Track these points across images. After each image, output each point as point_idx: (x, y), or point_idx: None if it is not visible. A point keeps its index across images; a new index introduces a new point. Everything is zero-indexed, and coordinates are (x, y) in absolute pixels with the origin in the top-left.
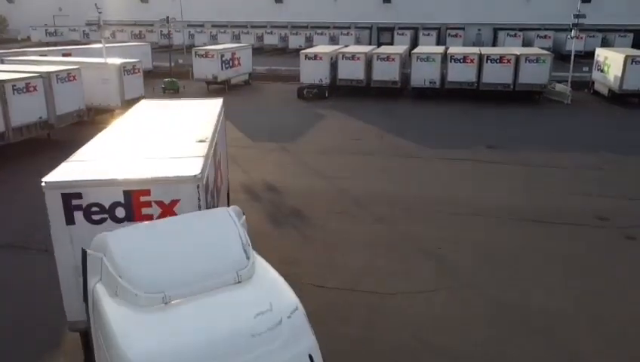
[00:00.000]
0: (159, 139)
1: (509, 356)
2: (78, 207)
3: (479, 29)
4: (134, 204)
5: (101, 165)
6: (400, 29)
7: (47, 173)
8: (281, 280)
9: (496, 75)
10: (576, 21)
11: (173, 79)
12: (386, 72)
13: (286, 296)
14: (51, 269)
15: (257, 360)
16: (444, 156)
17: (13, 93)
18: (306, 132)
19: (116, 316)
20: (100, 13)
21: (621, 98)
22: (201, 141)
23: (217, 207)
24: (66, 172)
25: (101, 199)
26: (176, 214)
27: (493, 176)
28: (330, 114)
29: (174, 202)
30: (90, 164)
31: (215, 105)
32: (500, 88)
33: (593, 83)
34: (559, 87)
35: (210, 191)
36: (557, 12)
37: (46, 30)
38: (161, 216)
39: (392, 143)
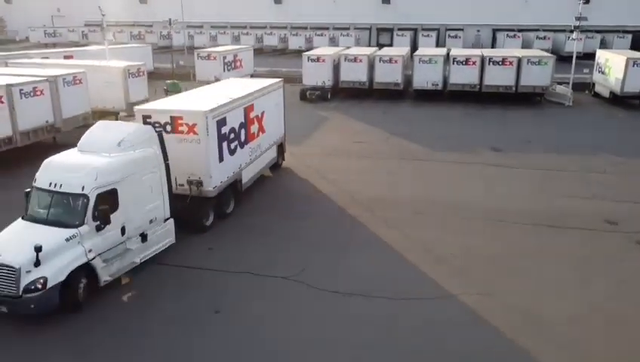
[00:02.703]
0: (213, 95)
1: None
2: (149, 123)
3: (478, 30)
4: (175, 123)
5: (170, 103)
6: (399, 29)
7: None
8: (110, 163)
9: (499, 77)
10: (577, 23)
11: (176, 81)
12: (389, 74)
13: (102, 167)
14: None
15: (79, 170)
16: (451, 159)
17: (21, 98)
18: (311, 134)
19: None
20: (103, 15)
21: (622, 100)
22: (229, 98)
23: (239, 138)
24: (147, 105)
25: (160, 119)
26: (197, 133)
27: (500, 180)
28: (333, 116)
29: (194, 124)
30: (166, 102)
31: (266, 82)
32: (502, 90)
33: (594, 85)
34: (560, 88)
35: (231, 127)
36: (555, 13)
37: (45, 31)
38: (189, 130)
39: (398, 146)
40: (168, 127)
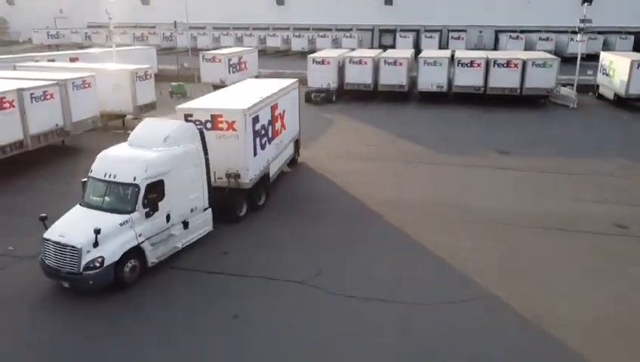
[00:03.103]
0: (243, 94)
1: None
2: (191, 121)
3: (480, 31)
4: (215, 121)
5: (208, 102)
6: (402, 31)
7: (63, 179)
8: (159, 157)
9: (504, 80)
10: (582, 25)
11: (181, 83)
12: (394, 77)
13: (152, 160)
14: None
15: (131, 162)
16: (457, 162)
17: (32, 102)
18: (318, 137)
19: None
20: (110, 19)
21: (627, 102)
22: (259, 97)
23: (267, 134)
24: (187, 104)
25: (200, 117)
26: (235, 130)
27: (508, 183)
28: (339, 118)
29: (233, 122)
30: (204, 101)
31: (285, 82)
32: (507, 92)
33: (598, 87)
34: (564, 90)
35: (262, 124)
36: (558, 14)
37: (47, 32)
38: (228, 127)
39: (404, 149)
40: (208, 125)
